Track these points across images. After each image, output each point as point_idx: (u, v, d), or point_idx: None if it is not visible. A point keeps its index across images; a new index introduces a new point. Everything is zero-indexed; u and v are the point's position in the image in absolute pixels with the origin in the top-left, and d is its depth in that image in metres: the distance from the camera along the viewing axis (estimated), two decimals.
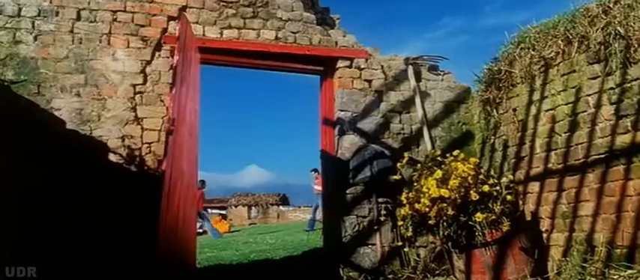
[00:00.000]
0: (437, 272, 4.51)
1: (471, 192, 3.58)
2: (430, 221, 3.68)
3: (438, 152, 4.24)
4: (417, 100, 5.03)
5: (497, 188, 3.75)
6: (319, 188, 12.09)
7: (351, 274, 4.54)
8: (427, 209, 3.65)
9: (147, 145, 4.25)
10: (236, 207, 32.82)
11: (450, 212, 3.55)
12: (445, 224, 3.63)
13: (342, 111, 4.86)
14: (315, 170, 12.43)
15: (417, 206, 3.73)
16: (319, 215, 12.17)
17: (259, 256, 7.25)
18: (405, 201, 3.87)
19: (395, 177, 4.38)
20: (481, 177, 3.78)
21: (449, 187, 3.54)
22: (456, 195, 3.55)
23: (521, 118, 4.59)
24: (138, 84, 4.34)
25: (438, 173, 3.68)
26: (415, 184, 4.00)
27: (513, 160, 4.67)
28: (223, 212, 31.54)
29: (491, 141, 4.99)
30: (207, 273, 5.83)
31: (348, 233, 4.62)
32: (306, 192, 12.54)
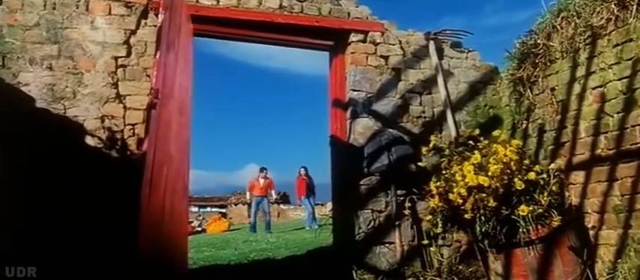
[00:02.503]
0: (465, 274, 3.92)
1: (515, 180, 2.99)
2: (466, 215, 3.09)
3: (476, 131, 3.63)
4: (440, 80, 4.44)
5: (544, 176, 3.15)
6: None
7: (365, 277, 3.96)
8: (461, 200, 3.06)
9: (130, 127, 3.67)
10: (236, 205, 32.25)
11: (491, 203, 2.96)
12: (483, 218, 3.04)
13: (354, 91, 4.27)
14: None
15: (450, 196, 3.13)
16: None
17: (260, 255, 6.68)
18: (434, 191, 3.27)
19: (419, 164, 3.76)
20: (526, 162, 3.19)
21: (489, 174, 2.95)
22: (498, 184, 2.96)
23: (560, 99, 4.00)
24: (120, 57, 3.74)
25: (476, 156, 3.09)
26: (444, 172, 3.41)
27: (551, 147, 4.07)
28: (223, 210, 31.02)
29: (524, 126, 4.39)
30: (202, 275, 5.25)
31: (363, 229, 4.03)
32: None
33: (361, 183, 4.10)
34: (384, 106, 4.32)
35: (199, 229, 19.39)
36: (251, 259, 6.31)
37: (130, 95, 3.70)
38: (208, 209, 35.10)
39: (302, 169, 12.06)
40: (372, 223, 4.07)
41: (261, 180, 12.05)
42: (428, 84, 4.50)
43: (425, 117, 4.42)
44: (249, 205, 32.07)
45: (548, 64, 4.12)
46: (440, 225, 3.29)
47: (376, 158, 4.02)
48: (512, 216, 3.01)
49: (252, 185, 12.21)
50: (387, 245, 4.06)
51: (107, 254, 3.28)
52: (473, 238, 3.33)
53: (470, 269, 4.05)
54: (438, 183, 3.28)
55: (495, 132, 3.40)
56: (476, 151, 3.41)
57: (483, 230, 3.05)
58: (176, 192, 3.35)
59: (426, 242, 3.73)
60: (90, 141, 3.59)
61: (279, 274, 5.33)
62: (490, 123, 4.62)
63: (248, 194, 12.34)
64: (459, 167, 3.22)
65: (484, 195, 2.99)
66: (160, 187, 2.97)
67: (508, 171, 3.01)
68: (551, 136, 4.08)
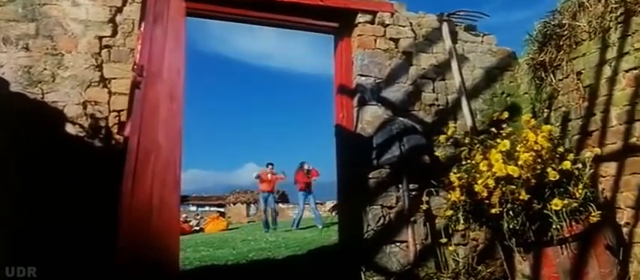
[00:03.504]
0: (484, 276, 3.58)
1: (549, 170, 2.64)
2: (493, 210, 2.74)
3: (505, 114, 3.28)
4: (454, 65, 4.09)
5: (579, 166, 2.80)
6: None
7: (374, 278, 3.61)
8: (486, 193, 2.71)
9: (116, 114, 3.31)
10: (234, 204, 31.94)
11: (523, 196, 2.61)
12: (511, 213, 2.69)
13: (362, 76, 3.91)
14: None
15: (476, 188, 2.78)
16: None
17: (259, 255, 6.34)
18: (456, 183, 2.92)
19: (436, 154, 3.41)
20: (560, 149, 2.84)
21: (519, 163, 2.60)
22: (529, 174, 2.61)
23: (588, 83, 3.66)
24: (105, 37, 3.39)
25: (505, 143, 2.74)
26: (465, 163, 3.06)
27: (577, 136, 3.73)
28: (221, 209, 30.68)
29: (545, 114, 4.05)
30: (196, 276, 4.91)
31: (372, 227, 3.68)
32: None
33: (370, 176, 3.75)
34: (395, 93, 3.97)
35: (197, 228, 19.08)
36: (250, 259, 5.97)
37: (115, 78, 3.35)
38: (207, 208, 34.79)
39: (305, 164, 11.66)
40: (381, 220, 3.72)
41: (269, 176, 11.71)
42: (441, 70, 4.15)
43: (438, 105, 4.07)
44: (249, 204, 31.72)
45: (574, 46, 3.77)
46: (461, 221, 2.94)
47: (386, 149, 3.68)
48: (545, 211, 2.67)
49: (262, 178, 11.79)
50: (398, 244, 3.71)
51: (87, 254, 2.93)
52: (498, 236, 2.98)
53: (488, 270, 3.72)
54: (460, 174, 2.92)
55: (525, 116, 3.06)
56: (500, 139, 3.06)
57: (511, 226, 2.70)
58: (166, 185, 2.99)
59: (444, 240, 3.38)
60: (71, 129, 3.23)
61: (279, 275, 4.99)
62: (508, 112, 4.27)
63: (259, 184, 11.87)
64: (483, 156, 2.86)
65: (513, 186, 2.64)
66: (147, 179, 2.62)
67: (539, 159, 2.66)
68: (577, 125, 3.74)
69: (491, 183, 2.66)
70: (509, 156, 2.72)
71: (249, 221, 27.29)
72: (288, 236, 9.52)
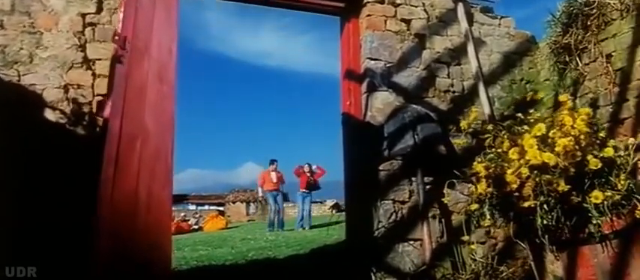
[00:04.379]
0: (506, 277, 3.26)
1: (589, 157, 2.32)
2: (525, 204, 2.42)
3: (540, 94, 2.97)
4: (470, 49, 3.77)
5: (621, 153, 2.49)
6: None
7: None
8: (517, 184, 2.39)
9: (100, 98, 2.97)
10: (234, 203, 31.63)
11: (562, 187, 2.29)
12: (546, 207, 2.37)
13: (372, 60, 3.59)
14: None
15: (507, 177, 2.45)
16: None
17: (259, 255, 6.02)
18: (482, 174, 2.59)
19: (456, 141, 3.09)
20: (601, 134, 2.53)
21: (558, 149, 2.28)
22: (566, 163, 2.29)
23: (619, 66, 3.34)
24: (89, 14, 3.06)
25: (540, 127, 2.42)
26: (489, 151, 2.75)
27: (607, 124, 3.40)
28: (221, 208, 30.37)
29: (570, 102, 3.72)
30: (192, 277, 4.59)
31: (383, 224, 3.37)
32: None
33: (380, 168, 3.43)
34: (407, 78, 3.65)
35: (196, 227, 18.78)
36: (249, 259, 5.65)
37: (100, 59, 3.02)
38: (206, 207, 34.46)
39: (306, 165, 11.36)
40: (393, 216, 3.40)
41: (273, 174, 11.31)
42: (457, 54, 3.83)
43: (454, 92, 3.75)
44: (248, 203, 31.39)
45: (603, 26, 3.46)
46: (487, 217, 2.63)
47: (399, 138, 3.36)
48: (584, 204, 2.35)
49: (264, 178, 11.40)
50: (411, 242, 3.40)
51: (70, 252, 2.61)
52: (527, 233, 2.65)
53: (510, 270, 3.40)
54: (487, 164, 2.60)
55: (561, 97, 2.74)
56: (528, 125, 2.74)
57: (545, 222, 2.38)
58: (155, 177, 2.68)
59: (466, 238, 3.06)
60: (50, 115, 2.91)
61: (281, 275, 4.68)
62: (527, 100, 3.96)
63: (259, 189, 11.46)
64: (511, 143, 2.55)
65: (549, 176, 2.32)
66: (132, 168, 2.30)
67: (577, 146, 2.35)
68: (607, 112, 3.42)
69: (525, 171, 2.34)
70: (543, 143, 2.40)
71: (248, 220, 27.00)
72: (289, 235, 9.23)
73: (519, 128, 2.70)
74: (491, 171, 2.53)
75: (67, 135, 2.91)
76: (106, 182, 2.02)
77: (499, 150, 2.66)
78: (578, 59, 3.62)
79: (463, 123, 3.16)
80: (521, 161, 2.38)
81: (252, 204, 31.24)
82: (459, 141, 3.14)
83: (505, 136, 2.68)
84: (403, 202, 3.44)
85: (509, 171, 2.44)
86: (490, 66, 3.92)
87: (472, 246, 3.04)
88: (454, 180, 2.99)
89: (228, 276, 4.86)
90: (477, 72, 3.74)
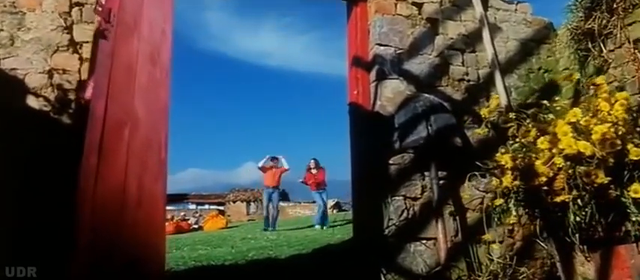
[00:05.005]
0: (527, 278, 3.02)
1: (630, 146, 2.08)
2: (557, 198, 2.17)
3: (576, 75, 2.72)
4: (485, 35, 3.52)
5: None
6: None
7: None
8: (549, 175, 2.15)
9: None
10: (234, 202, 31.41)
11: (600, 179, 2.05)
12: (579, 202, 2.13)
13: (381, 45, 3.35)
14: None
15: (539, 168, 2.21)
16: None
17: (259, 255, 5.77)
18: (508, 165, 2.35)
19: (477, 131, 2.85)
20: None
21: (595, 138, 2.04)
22: (604, 153, 2.05)
23: None
24: None
25: (575, 112, 2.18)
26: (513, 142, 2.50)
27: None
28: (221, 207, 30.14)
29: (592, 90, 3.48)
30: (188, 277, 4.35)
31: (394, 222, 3.12)
32: (305, 188, 11.11)
33: (390, 161, 3.19)
34: (418, 66, 3.41)
35: (196, 226, 18.54)
36: (250, 259, 5.41)
37: (87, 43, 2.78)
38: (206, 206, 34.23)
39: (311, 161, 11.05)
40: (404, 213, 3.16)
41: (274, 170, 11.00)
42: (471, 41, 3.59)
43: (468, 81, 3.51)
44: (249, 202, 31.17)
45: (630, 9, 3.21)
46: (513, 213, 2.39)
47: (411, 129, 3.12)
48: (622, 199, 2.11)
49: (265, 170, 11.04)
50: (423, 241, 3.16)
51: (52, 253, 2.38)
52: (556, 231, 2.41)
53: (531, 271, 3.17)
54: (513, 154, 2.36)
55: (599, 79, 2.50)
56: (548, 116, 2.50)
57: (578, 219, 2.14)
58: (147, 169, 2.44)
59: (489, 236, 2.82)
60: (33, 102, 2.67)
61: (283, 276, 4.44)
62: (546, 91, 3.72)
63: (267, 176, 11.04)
64: (539, 132, 2.31)
65: (585, 167, 2.08)
66: (119, 158, 2.06)
67: (615, 134, 2.11)
68: (635, 101, 3.17)
69: (559, 161, 2.10)
70: (577, 131, 2.16)
71: (249, 220, 26.79)
72: (290, 235, 8.99)
73: (545, 116, 2.46)
74: (518, 162, 2.29)
75: (50, 123, 2.68)
76: (87, 172, 1.78)
77: (524, 140, 2.42)
78: (602, 45, 3.38)
79: (484, 111, 2.92)
80: (554, 150, 2.14)
81: (252, 203, 31.04)
82: (480, 131, 2.89)
83: (530, 125, 2.44)
84: (415, 198, 3.20)
85: (538, 162, 2.20)
86: (506, 54, 3.68)
87: (494, 246, 2.79)
88: (476, 173, 2.74)
89: (227, 277, 4.63)
90: (493, 60, 3.49)
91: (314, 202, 11.04)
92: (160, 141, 2.66)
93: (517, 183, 2.31)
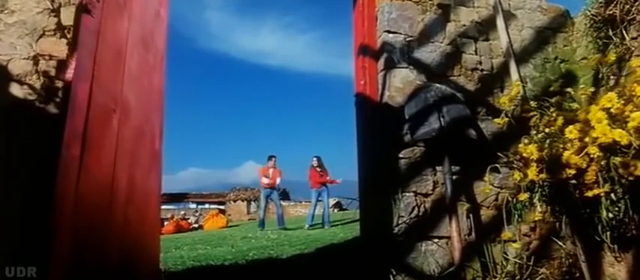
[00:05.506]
0: (545, 279, 2.83)
1: None
2: (589, 193, 1.98)
3: (580, 74, 2.53)
4: (499, 22, 3.34)
5: None
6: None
7: None
8: (573, 170, 1.96)
9: None
10: (235, 201, 31.25)
11: (639, 170, 1.86)
12: (613, 196, 1.94)
13: (390, 32, 3.16)
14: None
15: (570, 158, 2.01)
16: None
17: (260, 254, 5.58)
18: (533, 156, 2.15)
19: (497, 121, 2.66)
20: None
21: (633, 125, 1.84)
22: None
23: None
24: None
25: (610, 97, 1.98)
26: (536, 132, 2.31)
27: None
28: (222, 207, 29.98)
29: (612, 81, 3.28)
30: (186, 278, 4.16)
31: (404, 219, 2.93)
32: (305, 187, 10.89)
33: (400, 155, 3.00)
34: (429, 54, 3.21)
35: (196, 226, 18.37)
36: (250, 258, 5.22)
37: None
38: (206, 205, 34.09)
39: (314, 159, 10.86)
40: (415, 210, 2.97)
41: (271, 171, 10.81)
42: (484, 28, 3.40)
43: (482, 70, 3.32)
44: (249, 202, 30.99)
45: None
46: (538, 209, 2.19)
47: (422, 121, 2.93)
48: None
49: (262, 173, 10.88)
50: (435, 240, 2.96)
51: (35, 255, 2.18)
52: (583, 229, 2.21)
53: (550, 271, 2.97)
54: (539, 145, 2.16)
55: (634, 62, 2.30)
56: (571, 105, 2.31)
57: (610, 215, 1.95)
58: (138, 162, 2.24)
59: (509, 234, 2.62)
60: (17, 90, 2.47)
61: (285, 278, 4.25)
62: (562, 81, 3.52)
63: (264, 180, 10.87)
64: (565, 121, 2.11)
65: (620, 158, 1.89)
66: (106, 149, 1.87)
67: None
68: None
69: (593, 151, 1.90)
70: (612, 118, 1.97)
71: (250, 219, 26.65)
72: (291, 234, 8.81)
73: (570, 105, 2.26)
74: (544, 152, 2.09)
75: (36, 112, 2.48)
76: (68, 164, 1.59)
77: (548, 130, 2.22)
78: (624, 32, 3.18)
79: (503, 100, 2.72)
80: (587, 139, 1.94)
81: (253, 202, 30.89)
82: (499, 121, 2.69)
83: (554, 114, 2.24)
84: (426, 194, 3.01)
85: (566, 153, 2.00)
86: (521, 42, 3.49)
87: (514, 245, 2.59)
88: (497, 165, 2.55)
89: (226, 277, 4.44)
90: (508, 49, 3.31)
91: (320, 201, 10.82)
92: (154, 132, 2.47)
93: (543, 175, 2.12)
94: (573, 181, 2.05)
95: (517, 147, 2.51)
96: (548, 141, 2.19)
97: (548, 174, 2.11)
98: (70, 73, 1.70)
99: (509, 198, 2.55)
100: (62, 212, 1.52)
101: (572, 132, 2.01)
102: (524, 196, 2.25)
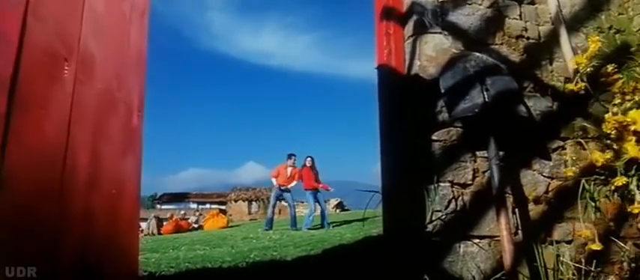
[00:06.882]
0: None
1: None
2: None
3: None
4: None
5: None
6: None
7: None
8: None
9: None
10: (236, 201, 30.88)
11: None
12: None
13: None
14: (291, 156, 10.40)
15: None
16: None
17: (262, 255, 5.08)
18: (637, 126, 1.63)
19: (570, 89, 2.15)
20: None
21: None
22: None
23: None
24: None
25: None
26: (620, 101, 1.79)
27: None
28: (222, 207, 29.58)
29: None
30: None
31: (439, 215, 2.40)
32: (299, 188, 10.42)
33: (434, 137, 2.47)
34: (467, 18, 2.69)
35: (196, 225, 17.94)
36: (251, 260, 4.71)
37: None
38: (207, 205, 33.72)
39: (308, 159, 10.39)
40: (451, 204, 2.44)
41: (289, 169, 10.29)
42: None
43: (527, 38, 2.79)
44: (250, 202, 30.57)
45: None
46: (638, 197, 1.68)
47: (462, 95, 2.40)
48: None
49: (279, 172, 10.37)
50: (476, 240, 2.44)
51: None
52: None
53: (610, 277, 2.45)
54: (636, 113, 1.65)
55: None
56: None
57: None
58: (108, 139, 1.72)
59: (587, 233, 2.09)
60: None
61: None
62: (616, 54, 2.99)
63: (274, 180, 10.39)
64: None
65: None
66: (52, 110, 1.35)
67: None
68: None
69: None
70: None
71: (250, 219, 26.21)
72: (294, 234, 8.33)
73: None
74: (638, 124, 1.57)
75: None
76: None
77: (637, 98, 1.70)
78: None
79: (578, 59, 2.19)
80: None
81: (254, 202, 30.49)
82: (572, 86, 2.16)
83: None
84: (465, 185, 2.49)
85: None
86: (572, 8, 2.96)
87: (594, 246, 2.07)
88: (553, 147, 2.02)
89: None
90: (557, 15, 2.79)
91: (316, 202, 10.34)
92: (131, 103, 1.95)
93: None
94: None
95: (572, 128, 1.99)
96: None
97: None
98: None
99: (586, 185, 2.02)
100: None
101: None
102: (621, 180, 1.74)
